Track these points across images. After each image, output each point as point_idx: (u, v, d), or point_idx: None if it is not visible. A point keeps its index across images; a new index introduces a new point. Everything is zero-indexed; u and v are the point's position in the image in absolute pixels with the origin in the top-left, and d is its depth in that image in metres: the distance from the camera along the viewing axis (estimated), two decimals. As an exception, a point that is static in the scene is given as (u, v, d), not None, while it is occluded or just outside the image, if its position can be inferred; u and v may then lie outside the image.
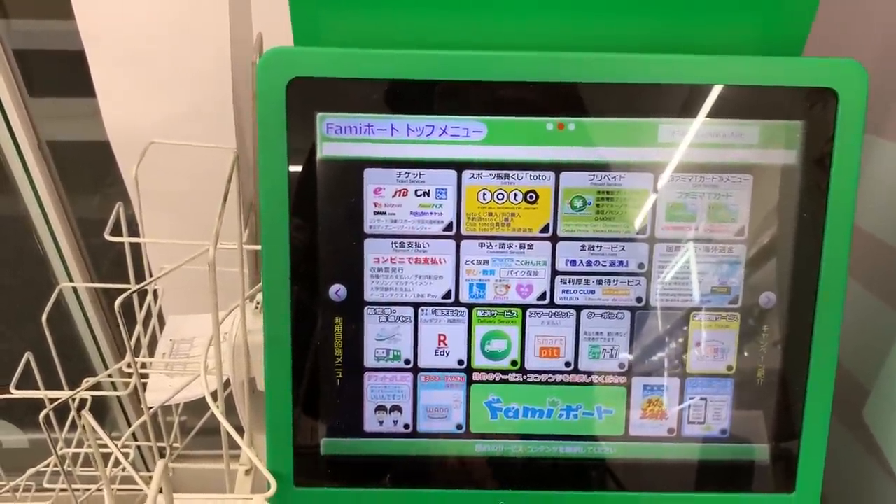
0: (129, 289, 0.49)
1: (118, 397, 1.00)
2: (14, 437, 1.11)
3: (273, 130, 0.39)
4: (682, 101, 0.39)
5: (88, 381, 0.60)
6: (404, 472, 0.43)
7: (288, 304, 0.40)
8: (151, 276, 0.69)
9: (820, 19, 0.41)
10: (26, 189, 0.84)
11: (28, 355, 0.60)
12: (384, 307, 0.41)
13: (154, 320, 0.69)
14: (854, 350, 0.52)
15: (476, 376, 0.42)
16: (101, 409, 1.05)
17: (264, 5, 0.49)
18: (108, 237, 0.55)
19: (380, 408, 0.42)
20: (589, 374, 0.42)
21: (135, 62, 0.73)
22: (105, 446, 0.40)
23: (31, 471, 0.71)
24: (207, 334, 0.68)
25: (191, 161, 0.68)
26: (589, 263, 0.41)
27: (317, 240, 0.40)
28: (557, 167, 0.40)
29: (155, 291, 0.71)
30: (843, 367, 0.53)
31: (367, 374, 0.42)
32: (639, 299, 0.41)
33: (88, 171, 0.89)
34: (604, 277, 0.41)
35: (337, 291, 0.41)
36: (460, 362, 0.42)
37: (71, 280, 0.89)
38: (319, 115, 0.39)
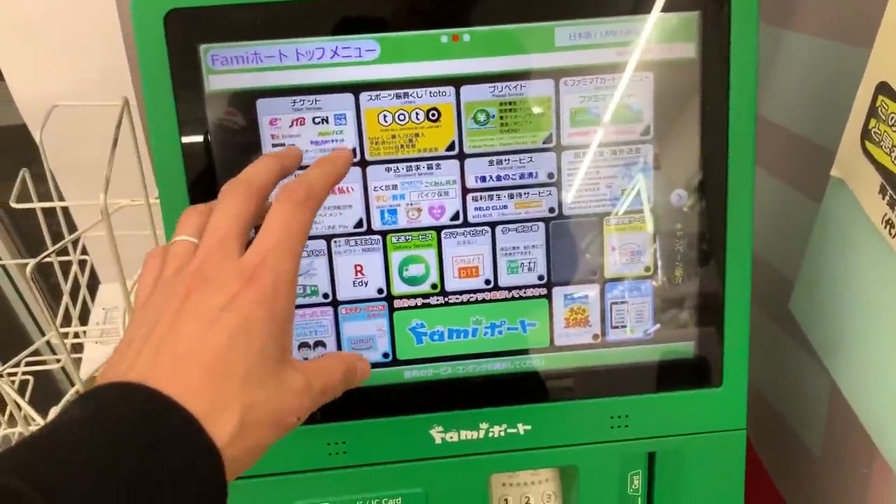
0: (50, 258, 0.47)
1: (67, 377, 0.98)
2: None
3: (155, 68, 0.37)
4: (577, 2, 0.38)
5: (17, 360, 0.59)
6: (336, 405, 0.42)
7: (194, 249, 0.39)
8: (78, 244, 0.67)
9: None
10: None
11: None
12: (295, 242, 0.40)
13: (84, 291, 0.67)
14: (776, 244, 0.53)
15: (397, 303, 0.41)
16: (55, 390, 1.03)
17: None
18: (13, 204, 0.52)
19: (303, 344, 0.41)
20: (509, 289, 0.41)
21: (34, 33, 0.70)
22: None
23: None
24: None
25: (105, 125, 0.66)
26: (498, 178, 0.40)
27: (216, 180, 0.39)
28: (457, 81, 0.39)
29: (82, 261, 0.69)
30: (768, 262, 0.54)
31: (285, 312, 0.41)
32: (551, 210, 0.40)
33: (12, 156, 0.86)
34: (514, 191, 0.40)
35: (244, 230, 0.39)
36: (380, 291, 0.41)
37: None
38: (203, 46, 0.37)
